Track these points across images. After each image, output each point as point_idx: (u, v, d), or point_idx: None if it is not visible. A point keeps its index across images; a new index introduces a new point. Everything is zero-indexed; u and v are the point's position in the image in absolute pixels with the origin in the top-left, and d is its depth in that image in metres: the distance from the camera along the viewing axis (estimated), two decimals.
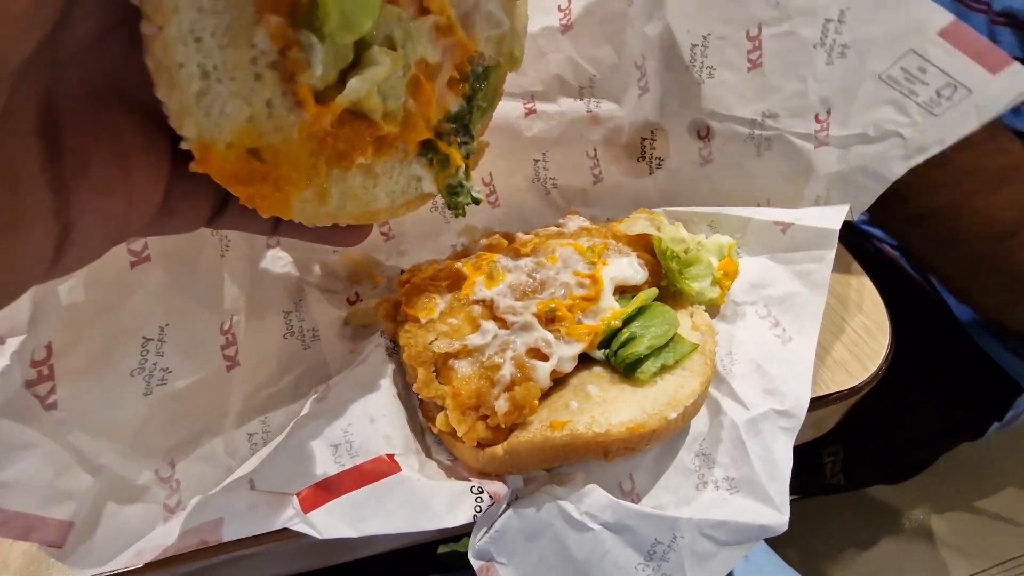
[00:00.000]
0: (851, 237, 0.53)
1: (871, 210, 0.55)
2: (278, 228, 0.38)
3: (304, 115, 0.29)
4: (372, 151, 0.34)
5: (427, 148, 0.39)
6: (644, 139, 0.61)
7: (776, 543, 0.69)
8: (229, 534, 0.35)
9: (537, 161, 0.66)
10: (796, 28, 0.50)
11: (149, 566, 0.38)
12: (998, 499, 1.37)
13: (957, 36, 0.45)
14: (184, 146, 0.27)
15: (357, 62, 0.31)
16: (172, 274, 0.42)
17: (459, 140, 0.41)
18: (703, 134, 0.57)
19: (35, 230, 0.25)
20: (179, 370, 0.41)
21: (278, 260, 0.54)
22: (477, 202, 0.43)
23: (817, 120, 0.53)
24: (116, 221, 0.28)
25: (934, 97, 0.48)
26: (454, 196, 0.42)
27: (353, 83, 0.30)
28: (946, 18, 0.45)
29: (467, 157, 0.42)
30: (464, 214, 0.44)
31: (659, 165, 0.61)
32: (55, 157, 0.25)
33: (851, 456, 1.06)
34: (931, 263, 0.78)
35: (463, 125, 0.40)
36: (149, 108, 0.27)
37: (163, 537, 0.37)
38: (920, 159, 0.50)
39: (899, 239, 0.86)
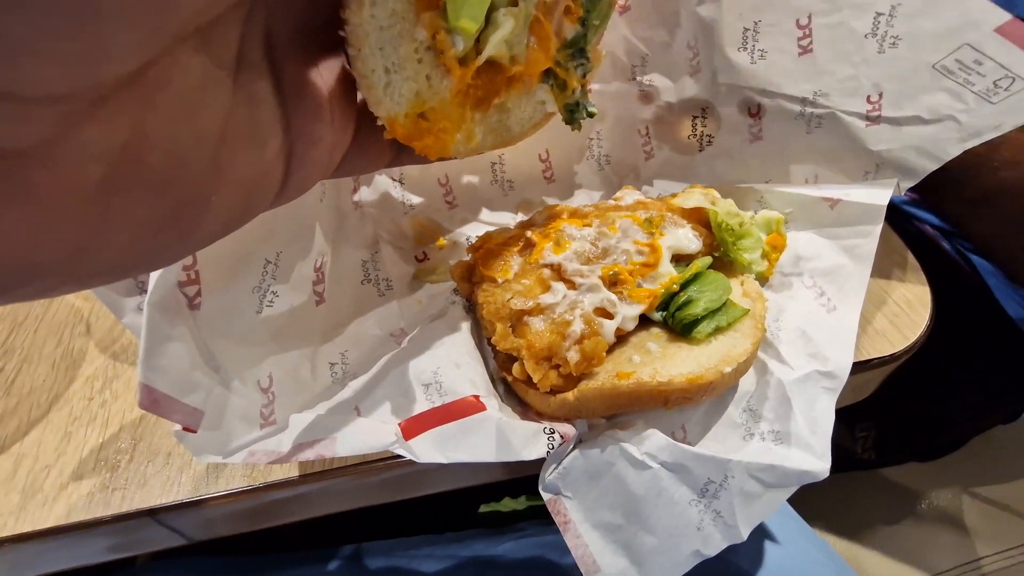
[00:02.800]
0: (892, 216, 0.53)
1: (922, 195, 0.55)
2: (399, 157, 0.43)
3: (452, 79, 0.37)
4: (505, 91, 0.42)
5: (547, 74, 0.45)
6: (695, 117, 0.62)
7: (803, 516, 0.72)
8: (343, 451, 0.40)
9: (591, 138, 0.69)
10: (846, 19, 0.51)
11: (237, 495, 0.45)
12: None
13: (1015, 33, 0.46)
14: (379, 123, 0.36)
15: (487, 22, 0.37)
16: (284, 207, 0.46)
17: (575, 63, 0.45)
18: (753, 111, 0.59)
19: (270, 148, 0.29)
20: (283, 295, 0.45)
21: (359, 211, 0.59)
22: (592, 115, 0.48)
23: (869, 101, 0.54)
24: (325, 151, 0.33)
25: (991, 87, 0.49)
26: (572, 114, 0.48)
27: (488, 48, 0.37)
28: (1003, 16, 0.46)
29: (583, 76, 0.46)
30: (580, 128, 0.49)
31: (709, 142, 0.63)
32: (279, 88, 0.29)
33: (883, 433, 1.08)
34: (996, 245, 0.73)
35: (579, 49, 0.44)
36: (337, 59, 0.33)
37: (275, 444, 0.41)
38: (976, 142, 0.51)
39: (955, 223, 0.82)
